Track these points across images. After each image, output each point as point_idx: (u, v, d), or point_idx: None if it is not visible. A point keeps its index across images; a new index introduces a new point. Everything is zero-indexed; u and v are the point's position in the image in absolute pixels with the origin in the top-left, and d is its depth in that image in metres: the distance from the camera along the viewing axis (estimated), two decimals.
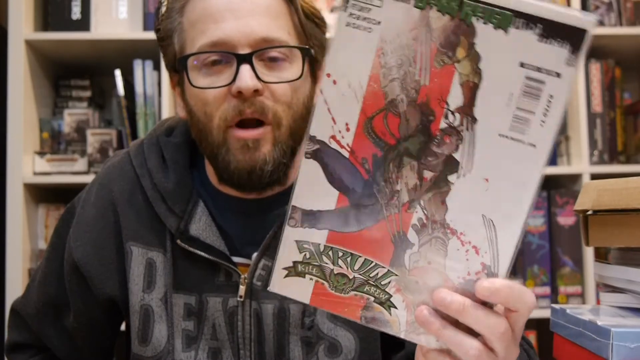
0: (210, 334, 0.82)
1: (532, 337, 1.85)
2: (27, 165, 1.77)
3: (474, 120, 0.48)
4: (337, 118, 0.49)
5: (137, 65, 1.81)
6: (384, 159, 0.50)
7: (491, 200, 0.49)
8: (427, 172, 0.50)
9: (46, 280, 0.91)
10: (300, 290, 0.54)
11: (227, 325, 0.82)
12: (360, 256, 0.52)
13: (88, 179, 1.72)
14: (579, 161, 1.82)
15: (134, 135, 1.82)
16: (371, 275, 0.53)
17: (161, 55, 0.87)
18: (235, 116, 0.76)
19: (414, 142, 0.49)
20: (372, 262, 0.52)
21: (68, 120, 1.87)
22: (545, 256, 1.82)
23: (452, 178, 0.49)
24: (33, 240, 1.80)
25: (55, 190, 1.86)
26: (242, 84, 0.74)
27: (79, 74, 1.95)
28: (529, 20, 0.45)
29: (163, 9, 0.81)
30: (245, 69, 0.74)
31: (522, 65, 0.46)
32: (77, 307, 0.88)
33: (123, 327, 0.94)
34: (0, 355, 1.58)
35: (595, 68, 1.89)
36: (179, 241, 0.81)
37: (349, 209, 0.51)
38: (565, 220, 1.82)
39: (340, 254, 0.52)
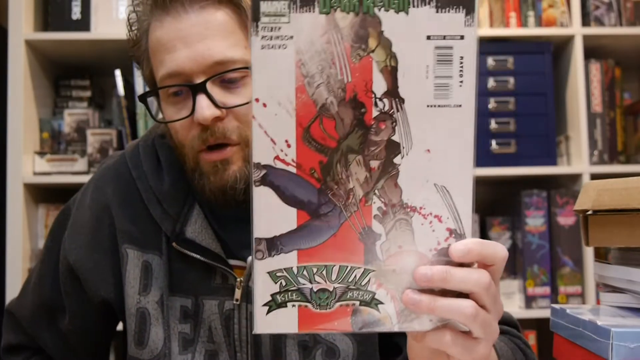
0: (206, 337, 0.82)
1: (532, 337, 1.85)
2: (27, 165, 1.77)
3: (402, 100, 0.51)
4: (275, 138, 0.50)
5: None
6: (330, 163, 0.51)
7: (437, 168, 0.52)
8: (374, 162, 0.52)
9: (41, 282, 0.91)
10: (285, 321, 0.53)
11: (224, 328, 0.81)
12: (334, 265, 0.53)
13: (88, 179, 1.72)
14: (579, 161, 1.82)
15: (134, 135, 1.82)
16: (350, 280, 0.53)
17: None
18: (201, 144, 0.77)
19: (353, 138, 0.51)
20: (347, 266, 0.53)
21: (68, 120, 1.87)
22: (545, 256, 1.82)
23: (397, 160, 0.52)
24: (33, 240, 1.80)
25: (55, 190, 1.86)
26: (198, 115, 0.74)
27: (79, 74, 1.96)
28: None
29: (131, 33, 0.82)
30: (201, 99, 0.74)
31: (428, 37, 0.50)
32: (72, 309, 0.88)
33: (121, 327, 0.94)
34: None
35: (595, 68, 1.89)
36: (174, 244, 0.81)
37: (311, 222, 0.52)
38: (565, 220, 1.82)
39: (315, 269, 0.53)
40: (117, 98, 1.83)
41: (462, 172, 0.52)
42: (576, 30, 1.84)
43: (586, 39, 1.84)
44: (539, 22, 1.89)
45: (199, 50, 0.74)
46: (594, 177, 1.79)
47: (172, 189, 0.83)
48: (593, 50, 1.90)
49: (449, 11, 0.50)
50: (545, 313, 1.76)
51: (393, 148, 0.51)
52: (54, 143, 1.88)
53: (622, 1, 1.91)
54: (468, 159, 0.52)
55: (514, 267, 1.87)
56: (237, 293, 0.80)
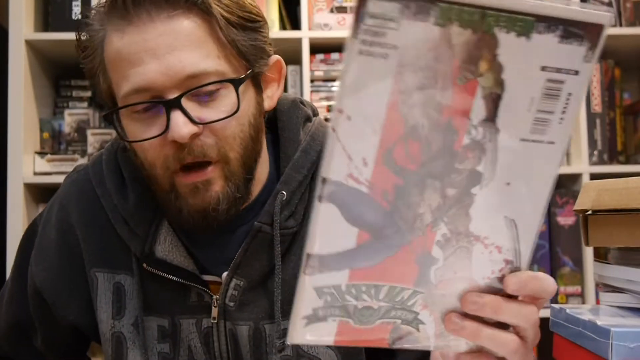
0: (186, 356, 0.79)
1: None
2: (28, 165, 1.77)
3: (497, 130, 0.46)
4: (353, 155, 0.44)
5: None
6: (405, 186, 0.46)
7: (513, 202, 0.49)
8: (451, 190, 0.47)
9: (12, 301, 0.88)
10: (322, 334, 0.50)
11: (203, 345, 0.79)
12: (384, 285, 0.50)
13: None
14: (579, 161, 1.82)
15: None
16: (397, 300, 0.50)
17: None
18: (177, 164, 0.71)
19: (436, 163, 0.46)
20: (396, 287, 0.50)
21: (68, 120, 1.88)
22: (545, 256, 1.82)
23: (475, 190, 0.48)
24: None
25: (56, 191, 1.86)
26: (175, 134, 0.68)
27: (79, 74, 1.93)
28: (550, 23, 0.44)
29: (84, 41, 0.74)
30: (176, 115, 0.68)
31: (543, 68, 0.45)
32: (43, 330, 0.86)
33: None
34: None
35: (595, 68, 1.89)
36: (145, 265, 0.77)
37: (370, 242, 0.48)
38: (565, 220, 1.82)
39: (364, 288, 0.49)
40: None
41: (535, 208, 0.49)
42: None
43: None
44: None
45: (170, 63, 0.68)
46: (594, 177, 1.79)
47: (137, 207, 0.78)
48: None
49: (571, 43, 0.44)
50: (545, 313, 1.76)
51: (474, 178, 0.47)
52: (55, 143, 1.88)
53: (622, 1, 1.91)
54: (544, 197, 0.49)
55: None
56: (214, 311, 0.77)
